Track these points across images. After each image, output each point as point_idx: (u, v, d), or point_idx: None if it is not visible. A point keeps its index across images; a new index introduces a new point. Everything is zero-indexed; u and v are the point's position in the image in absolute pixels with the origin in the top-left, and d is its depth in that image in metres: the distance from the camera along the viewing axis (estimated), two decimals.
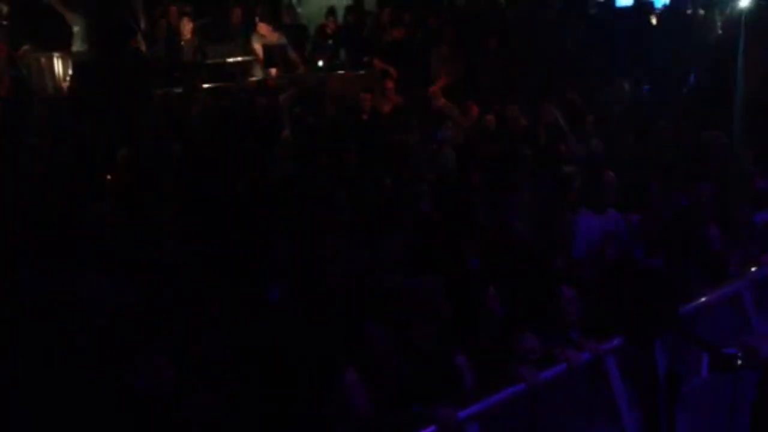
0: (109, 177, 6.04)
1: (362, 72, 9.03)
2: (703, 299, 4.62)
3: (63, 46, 8.46)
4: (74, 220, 5.19)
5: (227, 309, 4.23)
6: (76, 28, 8.61)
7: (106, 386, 3.59)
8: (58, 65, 8.17)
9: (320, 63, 8.78)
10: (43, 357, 3.76)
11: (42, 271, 4.41)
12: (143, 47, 7.24)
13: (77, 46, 8.63)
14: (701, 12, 10.86)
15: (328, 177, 6.11)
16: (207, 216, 5.41)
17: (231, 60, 8.30)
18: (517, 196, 5.85)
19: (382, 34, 9.52)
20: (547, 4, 9.88)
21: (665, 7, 10.18)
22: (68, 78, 8.06)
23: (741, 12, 9.25)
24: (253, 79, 8.08)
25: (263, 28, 8.71)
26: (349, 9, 10.36)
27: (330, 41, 9.44)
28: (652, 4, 10.72)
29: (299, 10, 11.12)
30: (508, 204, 5.72)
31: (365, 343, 3.87)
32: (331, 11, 9.93)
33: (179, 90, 7.30)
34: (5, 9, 8.57)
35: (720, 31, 9.88)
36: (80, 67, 7.81)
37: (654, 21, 10.43)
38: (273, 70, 8.38)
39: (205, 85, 7.78)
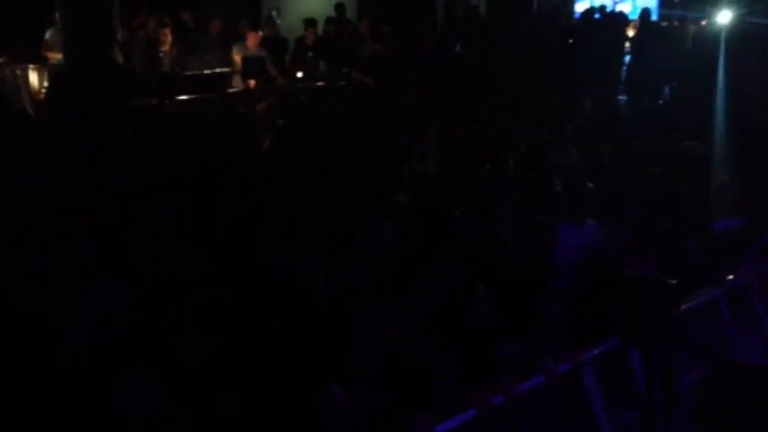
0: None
1: (342, 83, 9.03)
2: (681, 307, 4.65)
3: (39, 58, 8.42)
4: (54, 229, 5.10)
5: (209, 321, 4.18)
6: (47, 36, 8.56)
7: (87, 402, 3.53)
8: (33, 77, 8.11)
9: (299, 74, 8.77)
10: (22, 370, 3.69)
11: (21, 279, 4.33)
12: (120, 58, 7.19)
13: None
14: (675, 24, 11.03)
15: (309, 188, 6.08)
16: (193, 226, 5.36)
17: (209, 71, 8.27)
18: (500, 206, 5.87)
19: (362, 45, 9.55)
20: (526, 16, 9.97)
21: (641, 19, 10.30)
22: (44, 90, 8.00)
23: (721, 27, 9.41)
24: (232, 90, 8.05)
25: (253, 38, 8.68)
26: (328, 20, 10.38)
27: (309, 53, 9.44)
28: (626, 15, 10.88)
29: (279, 21, 11.14)
30: (491, 213, 5.73)
31: (350, 356, 3.85)
32: (311, 22, 9.94)
33: (157, 101, 7.25)
34: None
35: (690, 44, 10.03)
36: (56, 78, 7.74)
37: (630, 33, 10.59)
38: (252, 82, 8.36)
39: (183, 97, 7.73)
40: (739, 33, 9.15)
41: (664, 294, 4.35)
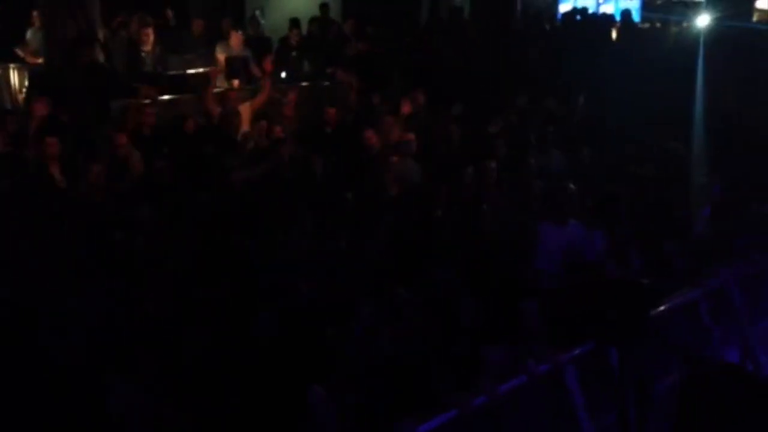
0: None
1: (326, 83, 9.00)
2: (660, 308, 4.70)
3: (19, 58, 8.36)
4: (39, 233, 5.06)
5: (193, 329, 4.16)
6: (27, 36, 8.49)
7: (75, 407, 3.51)
8: (14, 77, 8.04)
9: (283, 74, 8.73)
10: (19, 369, 3.67)
11: (10, 284, 4.29)
12: (101, 58, 7.13)
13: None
14: (658, 25, 11.12)
15: (292, 190, 6.07)
16: (174, 227, 5.33)
17: (192, 71, 8.21)
18: (483, 208, 5.89)
19: (346, 45, 9.53)
20: (510, 18, 10.01)
21: (622, 20, 10.37)
22: (24, 90, 7.93)
23: (700, 30, 9.50)
24: (215, 90, 7.99)
25: (236, 37, 8.64)
26: (312, 20, 10.35)
27: (293, 53, 9.41)
28: (612, 16, 10.96)
29: (263, 21, 11.08)
30: (474, 215, 5.75)
31: (333, 360, 3.85)
32: (295, 23, 9.91)
33: (138, 101, 7.18)
34: None
35: (673, 44, 10.11)
36: (36, 78, 7.67)
37: (614, 34, 10.67)
38: (235, 82, 8.32)
39: (165, 97, 7.66)
40: (716, 35, 9.26)
41: (639, 295, 4.40)
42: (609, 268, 5.06)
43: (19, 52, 8.55)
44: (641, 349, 4.26)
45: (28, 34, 8.68)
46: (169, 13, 9.44)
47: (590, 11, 11.19)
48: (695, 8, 10.01)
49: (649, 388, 4.27)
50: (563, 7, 13.60)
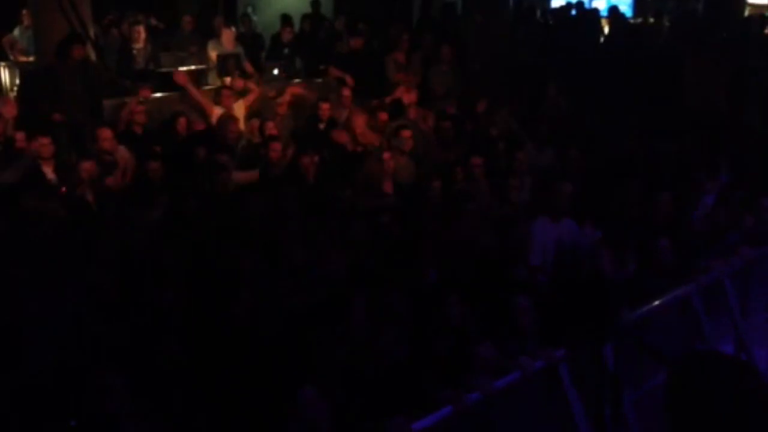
0: (63, 189, 5.90)
1: (318, 80, 8.98)
2: (654, 304, 4.70)
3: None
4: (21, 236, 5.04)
5: (181, 328, 4.15)
6: (15, 34, 8.44)
7: (55, 410, 3.49)
8: (5, 75, 7.99)
9: (275, 71, 8.71)
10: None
11: None
12: (92, 56, 7.09)
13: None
14: (651, 20, 11.12)
15: (283, 187, 6.05)
16: (162, 230, 5.31)
17: (184, 69, 8.17)
18: (474, 205, 5.88)
19: (338, 42, 9.51)
20: (501, 14, 9.99)
21: (611, 15, 10.37)
22: (15, 88, 7.88)
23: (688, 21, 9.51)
24: (207, 87, 7.97)
25: (228, 34, 8.62)
26: (304, 17, 10.34)
27: (285, 50, 9.39)
28: (598, 11, 10.96)
29: (254, 18, 11.07)
30: (466, 213, 5.73)
31: (323, 360, 3.84)
32: (287, 19, 9.89)
33: (129, 99, 7.14)
34: None
35: (665, 39, 10.12)
36: (28, 76, 7.63)
37: (606, 29, 10.68)
38: (227, 79, 8.29)
39: (157, 94, 7.63)
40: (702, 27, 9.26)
41: (611, 293, 4.39)
42: (598, 265, 5.06)
43: (4, 42, 8.49)
44: (614, 349, 4.25)
45: (16, 33, 8.63)
46: (154, 20, 9.43)
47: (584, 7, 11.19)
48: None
49: (622, 388, 4.27)
50: (556, 2, 13.61)
